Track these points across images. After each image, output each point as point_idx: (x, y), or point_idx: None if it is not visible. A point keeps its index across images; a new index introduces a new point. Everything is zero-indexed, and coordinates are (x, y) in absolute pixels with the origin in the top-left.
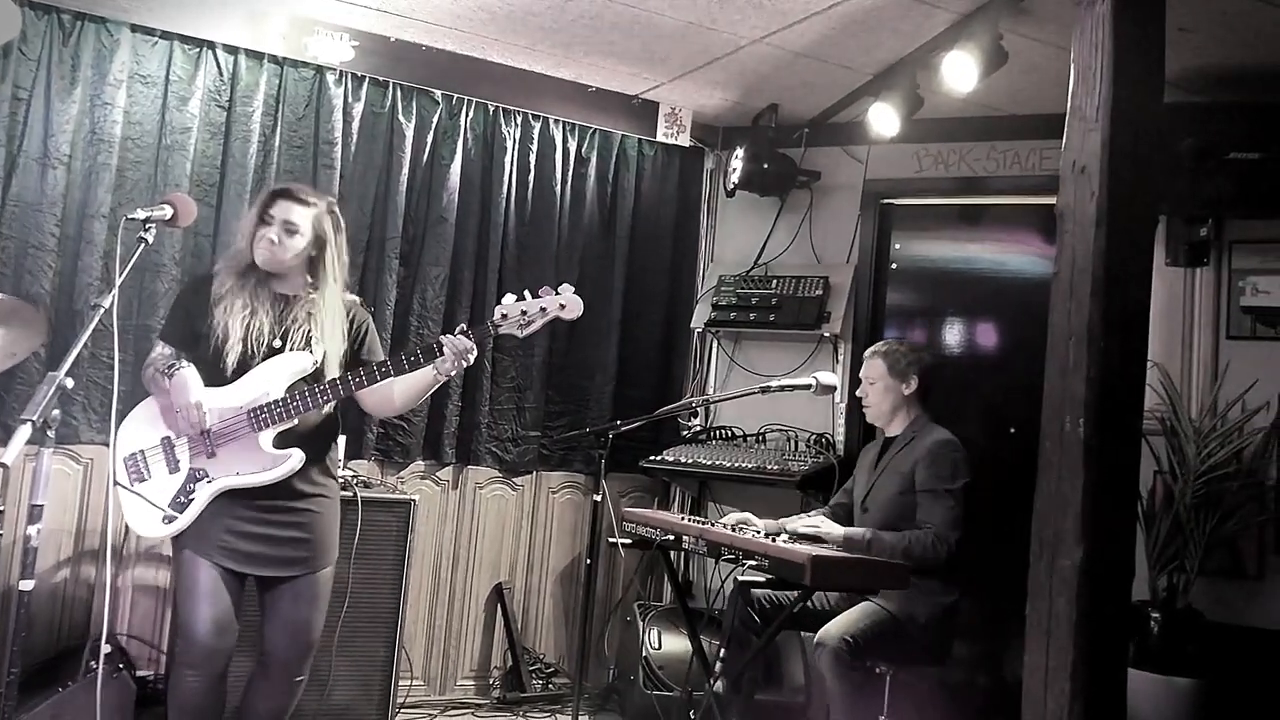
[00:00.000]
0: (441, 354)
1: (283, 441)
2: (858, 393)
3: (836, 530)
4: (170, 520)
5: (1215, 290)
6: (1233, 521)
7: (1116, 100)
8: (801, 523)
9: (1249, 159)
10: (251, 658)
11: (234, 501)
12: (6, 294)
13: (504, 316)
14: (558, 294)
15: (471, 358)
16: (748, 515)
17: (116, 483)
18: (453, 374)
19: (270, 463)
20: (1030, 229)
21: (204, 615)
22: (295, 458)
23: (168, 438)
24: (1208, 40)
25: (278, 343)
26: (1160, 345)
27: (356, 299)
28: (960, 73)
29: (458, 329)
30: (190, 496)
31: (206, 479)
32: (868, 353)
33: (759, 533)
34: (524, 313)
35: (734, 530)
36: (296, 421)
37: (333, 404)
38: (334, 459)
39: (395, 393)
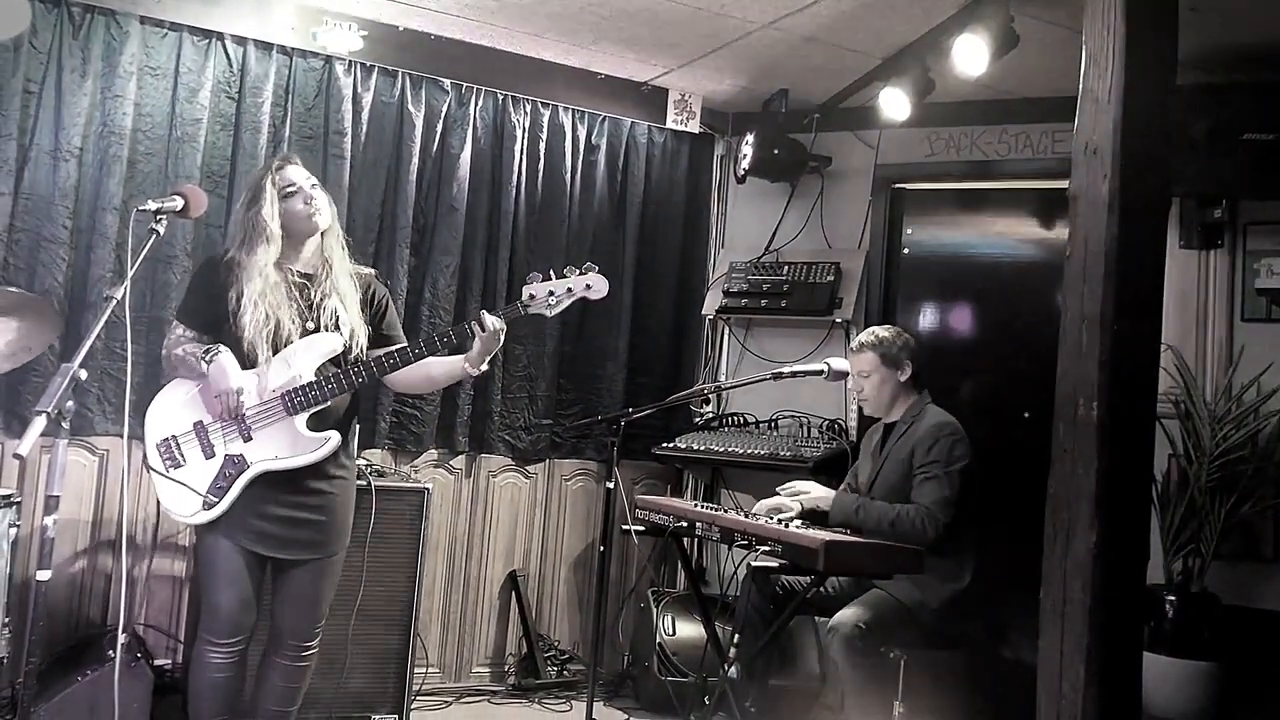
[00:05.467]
0: (475, 334)
1: (315, 423)
2: (851, 387)
3: (828, 493)
4: (210, 506)
5: (1229, 272)
6: (1248, 504)
7: (1128, 82)
8: (795, 487)
9: (1263, 140)
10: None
11: (263, 485)
12: (18, 288)
13: (532, 297)
14: (583, 274)
15: (501, 338)
16: (780, 501)
17: (151, 468)
18: (484, 368)
19: (308, 446)
20: (1042, 212)
21: (230, 594)
22: (334, 440)
23: (200, 422)
24: (1220, 20)
25: (311, 324)
26: (1174, 328)
27: (372, 271)
28: (971, 56)
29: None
30: (229, 481)
31: (244, 464)
32: (854, 345)
33: (792, 519)
34: (551, 293)
35: (766, 519)
36: (330, 403)
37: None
38: (352, 439)
39: (422, 375)
